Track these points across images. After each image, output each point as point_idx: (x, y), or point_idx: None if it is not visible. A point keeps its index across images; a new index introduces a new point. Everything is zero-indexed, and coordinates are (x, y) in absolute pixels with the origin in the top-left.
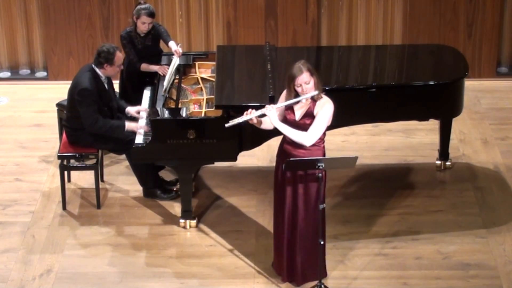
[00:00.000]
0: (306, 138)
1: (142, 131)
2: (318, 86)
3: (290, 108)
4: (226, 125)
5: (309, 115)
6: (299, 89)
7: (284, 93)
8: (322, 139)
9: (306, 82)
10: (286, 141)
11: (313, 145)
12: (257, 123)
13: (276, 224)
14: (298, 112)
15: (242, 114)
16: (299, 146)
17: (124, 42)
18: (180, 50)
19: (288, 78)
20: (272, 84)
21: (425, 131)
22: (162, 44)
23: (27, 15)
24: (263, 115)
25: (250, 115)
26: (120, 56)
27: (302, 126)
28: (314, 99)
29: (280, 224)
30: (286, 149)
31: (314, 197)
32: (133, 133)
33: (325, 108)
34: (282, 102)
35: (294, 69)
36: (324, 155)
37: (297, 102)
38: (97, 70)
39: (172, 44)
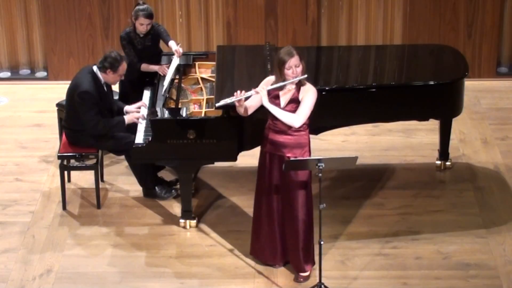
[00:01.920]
0: (296, 118)
1: (141, 119)
2: (306, 71)
3: (274, 96)
4: (217, 104)
5: (295, 101)
6: (289, 72)
7: (268, 79)
8: (307, 125)
9: (296, 65)
10: (271, 129)
11: (300, 131)
12: (244, 111)
13: (260, 212)
14: (283, 99)
15: (240, 114)
16: (285, 133)
17: (124, 43)
18: (180, 50)
19: (278, 62)
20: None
21: (425, 131)
22: (162, 44)
23: (27, 15)
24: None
25: (240, 95)
26: (125, 66)
27: (289, 112)
28: (301, 84)
29: (267, 213)
30: (272, 137)
31: (300, 187)
32: (133, 132)
33: (310, 93)
34: (268, 84)
35: (283, 52)
36: (309, 140)
37: (284, 86)
38: (99, 73)
39: (172, 43)
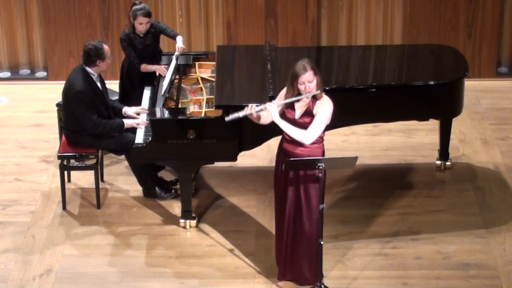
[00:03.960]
0: (306, 136)
1: (142, 126)
2: (320, 86)
3: (290, 106)
4: (226, 118)
5: (309, 114)
6: (301, 87)
7: (284, 90)
8: (322, 138)
9: (309, 80)
10: (285, 139)
11: (313, 143)
12: (256, 118)
13: (278, 224)
14: (298, 111)
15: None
16: (299, 144)
17: (124, 45)
18: (183, 48)
19: (291, 76)
20: (272, 84)
21: (425, 131)
22: (162, 44)
23: (27, 15)
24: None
25: (250, 110)
26: (107, 48)
27: (302, 124)
28: (315, 98)
29: (282, 223)
30: (286, 147)
31: (314, 196)
32: (133, 132)
33: (325, 108)
34: (282, 99)
35: (298, 67)
36: (323, 154)
37: (298, 100)
38: (89, 69)
39: (179, 39)
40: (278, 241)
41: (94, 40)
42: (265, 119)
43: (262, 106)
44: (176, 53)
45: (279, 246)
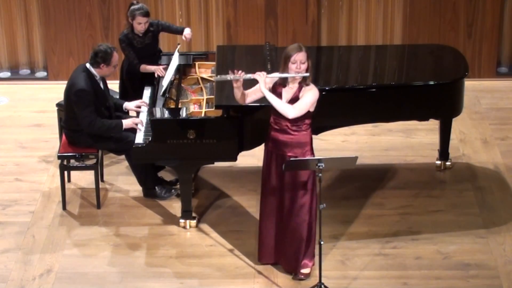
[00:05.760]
0: (290, 110)
1: (140, 126)
2: (310, 71)
3: (278, 94)
4: (214, 78)
5: (295, 100)
6: (293, 66)
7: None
8: (308, 125)
9: (302, 61)
10: (273, 128)
11: (301, 130)
12: (241, 97)
13: (262, 210)
14: (285, 97)
15: (242, 113)
16: (285, 131)
17: (123, 45)
18: (189, 37)
19: (284, 56)
20: None
21: (425, 131)
22: (162, 44)
23: (27, 15)
24: (253, 81)
25: (239, 75)
26: (116, 56)
27: None
28: (305, 84)
29: (269, 213)
30: (274, 136)
31: (302, 186)
32: (133, 132)
33: (311, 92)
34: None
35: (291, 47)
36: (311, 139)
37: (287, 81)
38: (92, 70)
39: (186, 30)
40: (262, 229)
41: (108, 44)
42: (249, 98)
43: (251, 75)
44: (184, 39)
45: (264, 232)
